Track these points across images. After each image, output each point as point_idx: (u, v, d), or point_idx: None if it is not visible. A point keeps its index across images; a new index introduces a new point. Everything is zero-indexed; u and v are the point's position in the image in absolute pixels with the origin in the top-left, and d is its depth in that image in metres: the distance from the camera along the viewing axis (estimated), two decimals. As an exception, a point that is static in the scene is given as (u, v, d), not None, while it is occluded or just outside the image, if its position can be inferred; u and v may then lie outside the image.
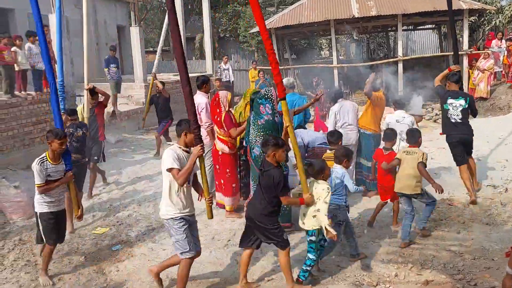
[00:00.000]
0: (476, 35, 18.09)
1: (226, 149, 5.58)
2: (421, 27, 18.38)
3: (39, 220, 4.21)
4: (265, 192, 3.79)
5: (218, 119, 5.57)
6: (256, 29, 15.56)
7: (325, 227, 3.77)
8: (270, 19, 15.14)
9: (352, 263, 4.36)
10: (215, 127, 5.69)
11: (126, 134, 10.97)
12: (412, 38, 21.82)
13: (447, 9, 6.78)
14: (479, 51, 13.48)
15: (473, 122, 10.28)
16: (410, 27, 18.16)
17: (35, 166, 4.08)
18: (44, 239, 4.25)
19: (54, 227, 4.24)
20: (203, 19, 16.75)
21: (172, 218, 3.71)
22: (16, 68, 8.31)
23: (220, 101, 5.57)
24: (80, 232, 5.37)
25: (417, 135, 4.90)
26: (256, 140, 5.01)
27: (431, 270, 4.18)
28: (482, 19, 16.90)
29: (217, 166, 5.68)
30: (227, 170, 5.63)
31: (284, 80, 7.05)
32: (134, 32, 12.47)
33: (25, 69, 8.55)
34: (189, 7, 24.76)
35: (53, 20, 9.53)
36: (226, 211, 5.71)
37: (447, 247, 4.64)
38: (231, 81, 15.65)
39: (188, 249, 3.72)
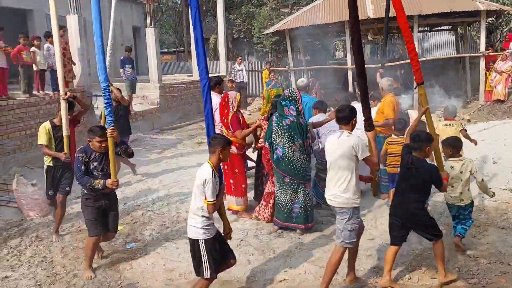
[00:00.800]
0: (493, 36, 17.78)
1: (234, 149, 5.59)
2: (437, 28, 18.15)
3: (204, 249, 3.48)
4: (422, 188, 3.86)
5: (225, 120, 5.57)
6: (270, 30, 15.56)
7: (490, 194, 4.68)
8: (285, 20, 15.13)
9: (365, 266, 4.34)
10: (223, 128, 5.68)
11: (141, 134, 11.10)
12: (428, 40, 21.56)
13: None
14: (496, 53, 13.26)
15: (488, 125, 10.19)
16: (426, 28, 17.94)
17: (210, 179, 3.38)
18: (207, 273, 3.52)
19: (218, 254, 3.62)
20: (218, 20, 16.84)
21: (356, 207, 3.78)
22: (35, 68, 8.49)
23: (229, 102, 5.57)
24: (95, 230, 5.44)
25: (455, 110, 6.08)
26: (279, 141, 4.97)
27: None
28: (500, 20, 16.62)
29: (225, 167, 5.65)
30: (236, 171, 5.66)
31: (299, 81, 7.04)
32: (150, 33, 12.61)
33: (43, 69, 8.72)
34: (204, 8, 24.91)
35: (70, 22, 9.71)
36: (237, 211, 5.71)
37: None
38: (244, 82, 15.70)
39: (355, 240, 3.82)
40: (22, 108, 7.81)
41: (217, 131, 6.20)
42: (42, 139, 5.19)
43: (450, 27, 17.52)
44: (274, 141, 5.04)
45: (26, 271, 4.46)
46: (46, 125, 5.27)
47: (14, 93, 8.40)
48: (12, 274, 4.39)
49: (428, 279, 4.07)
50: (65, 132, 5.13)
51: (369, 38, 15.24)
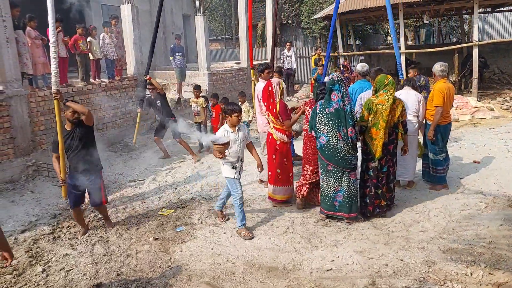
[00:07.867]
0: None
1: (285, 138, 5.56)
2: (500, 9, 16.90)
3: None
4: None
5: (274, 110, 5.51)
6: (319, 14, 15.23)
7: None
8: (334, 3, 14.71)
9: (416, 259, 4.18)
10: (270, 117, 5.59)
11: (191, 121, 11.32)
12: (489, 21, 20.16)
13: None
14: None
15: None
16: (487, 9, 16.75)
17: None
18: None
19: None
20: (266, 5, 16.69)
21: None
22: (91, 57, 8.88)
23: (274, 90, 5.51)
24: (148, 213, 5.66)
25: None
26: (323, 129, 4.88)
27: (504, 271, 3.89)
28: None
29: (273, 156, 5.64)
30: (284, 159, 5.63)
31: (359, 66, 6.78)
32: (199, 21, 12.75)
33: (99, 58, 9.10)
34: (252, -6, 24.80)
35: (124, 11, 10.02)
36: (277, 200, 5.70)
37: (523, 247, 4.29)
38: (293, 69, 15.53)
39: None
40: (80, 95, 8.21)
41: (264, 118, 6.21)
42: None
43: (515, 7, 16.23)
44: (317, 129, 4.95)
45: (84, 249, 4.72)
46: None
47: (73, 81, 8.84)
48: (72, 252, 4.67)
49: (485, 275, 3.86)
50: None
51: (425, 21, 14.46)
